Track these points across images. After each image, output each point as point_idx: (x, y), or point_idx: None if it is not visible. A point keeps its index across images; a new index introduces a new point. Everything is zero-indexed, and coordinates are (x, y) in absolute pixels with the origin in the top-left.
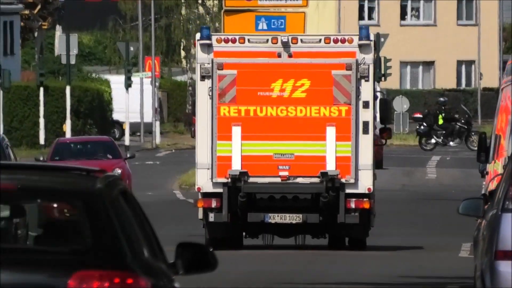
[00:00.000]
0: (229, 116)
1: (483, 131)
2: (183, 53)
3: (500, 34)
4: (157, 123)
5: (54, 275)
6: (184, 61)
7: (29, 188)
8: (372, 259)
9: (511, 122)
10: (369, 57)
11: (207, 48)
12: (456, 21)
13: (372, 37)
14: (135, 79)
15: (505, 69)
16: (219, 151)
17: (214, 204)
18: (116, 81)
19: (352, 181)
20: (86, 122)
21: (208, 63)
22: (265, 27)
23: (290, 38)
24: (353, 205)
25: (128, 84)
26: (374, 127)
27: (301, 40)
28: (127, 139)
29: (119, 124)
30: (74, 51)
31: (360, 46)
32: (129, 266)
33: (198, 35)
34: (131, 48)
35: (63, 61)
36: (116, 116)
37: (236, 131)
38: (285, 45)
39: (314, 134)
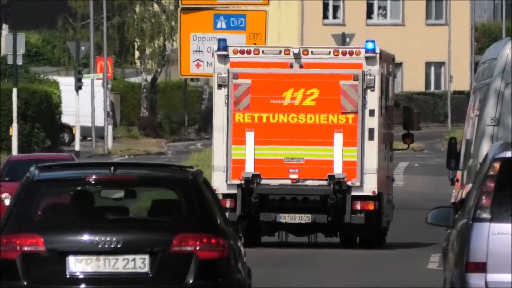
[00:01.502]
0: (243, 122)
1: (453, 136)
2: (137, 54)
3: (471, 34)
4: (109, 127)
5: (163, 236)
6: (138, 62)
7: (144, 178)
8: (335, 271)
9: (475, 126)
10: (375, 69)
11: (224, 58)
12: (425, 20)
13: (377, 50)
14: (86, 80)
15: (476, 72)
16: (234, 155)
17: (228, 204)
18: (65, 82)
19: (358, 184)
20: (33, 126)
21: (225, 73)
22: (224, 26)
23: (301, 50)
24: (358, 207)
25: (78, 86)
26: (391, 133)
27: (312, 52)
28: (77, 144)
29: (69, 128)
30: (21, 50)
31: (366, 58)
32: (212, 230)
33: (215, 47)
34: (82, 48)
35: (9, 61)
36: (65, 119)
37: (250, 136)
38: (297, 56)
39: (322, 140)
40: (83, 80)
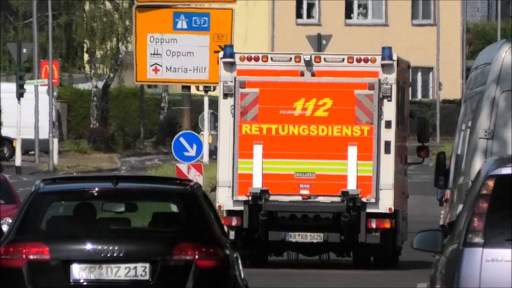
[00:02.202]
0: (250, 134)
1: (442, 150)
2: (86, 57)
3: (463, 36)
4: (55, 140)
5: (164, 246)
6: (87, 66)
7: (145, 191)
8: None
9: (467, 139)
10: (391, 77)
11: (230, 66)
12: (411, 20)
13: (395, 57)
14: (29, 87)
15: (468, 78)
16: (240, 169)
17: (234, 222)
18: (5, 89)
19: (373, 200)
20: None
21: (231, 81)
22: (185, 25)
23: (313, 57)
24: (374, 225)
25: (20, 93)
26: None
27: (324, 59)
28: (18, 159)
29: (9, 141)
30: None
31: (383, 66)
32: (210, 241)
33: (221, 53)
34: (24, 50)
35: None
36: (5, 131)
37: (258, 149)
38: (308, 64)
39: (335, 153)
40: (25, 87)
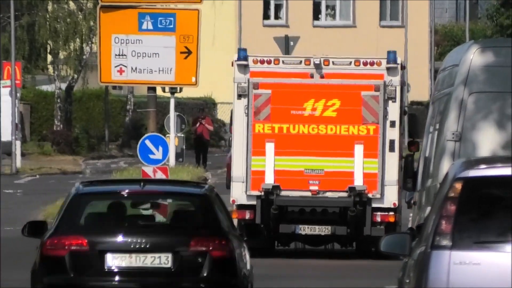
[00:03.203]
0: (263, 132)
1: (410, 153)
2: (49, 58)
3: (431, 37)
4: (18, 142)
5: (183, 239)
6: (51, 68)
7: (167, 192)
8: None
9: (435, 142)
10: (396, 79)
11: (244, 68)
12: (379, 21)
13: (399, 61)
14: None
15: (436, 79)
16: (254, 166)
17: (248, 215)
18: None
19: (378, 196)
20: None
21: (245, 83)
22: (150, 26)
23: (322, 60)
24: (379, 219)
25: None
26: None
27: (333, 62)
28: None
29: None
30: None
31: (388, 69)
32: (222, 234)
33: (235, 56)
34: None
35: None
36: None
37: (270, 147)
38: (317, 66)
39: (343, 151)
40: None
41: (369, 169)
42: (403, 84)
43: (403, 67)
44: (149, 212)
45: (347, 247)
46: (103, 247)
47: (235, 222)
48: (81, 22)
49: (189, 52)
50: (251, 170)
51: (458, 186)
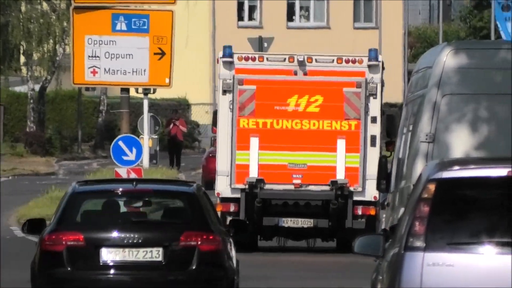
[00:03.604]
0: (248, 128)
1: (384, 154)
2: (23, 59)
3: (405, 39)
4: None
5: (173, 234)
6: (24, 69)
7: (158, 190)
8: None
9: (408, 143)
10: (377, 77)
11: (229, 65)
12: (353, 23)
13: (380, 59)
14: None
15: (409, 81)
16: (238, 160)
17: (232, 208)
18: None
19: (360, 189)
20: None
21: (230, 79)
22: (124, 27)
23: (305, 57)
24: (360, 212)
25: None
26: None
27: (316, 60)
28: None
29: None
30: None
31: (369, 66)
32: (210, 229)
33: (220, 53)
34: None
35: None
36: None
37: (254, 141)
38: (301, 64)
39: (325, 146)
40: None
41: (351, 163)
42: (383, 84)
43: (383, 67)
44: (141, 209)
45: (328, 241)
46: (98, 242)
47: (220, 214)
48: (55, 23)
49: (162, 53)
50: (236, 164)
51: (432, 187)
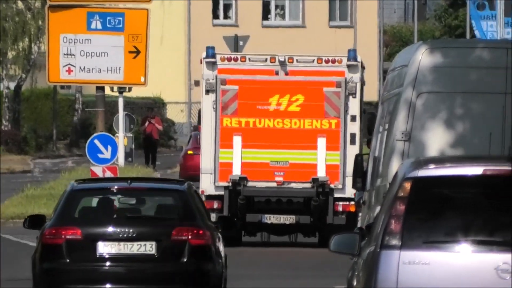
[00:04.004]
0: (231, 126)
1: (360, 152)
2: None
3: (380, 37)
4: None
5: (165, 229)
6: None
7: (152, 188)
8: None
9: (384, 141)
10: (356, 76)
11: (212, 65)
12: (328, 22)
13: (359, 59)
14: None
15: (385, 80)
16: (221, 158)
17: (216, 205)
18: None
19: (340, 186)
20: None
21: (213, 79)
22: (99, 26)
23: (286, 58)
24: (340, 208)
25: None
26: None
27: (297, 60)
28: None
29: None
30: None
31: (348, 66)
32: (200, 225)
33: (204, 54)
34: None
35: None
36: None
37: (237, 140)
38: (282, 64)
39: (306, 144)
40: None
41: (332, 161)
42: (363, 83)
43: (363, 66)
44: (135, 206)
45: (310, 237)
46: (95, 236)
47: None
48: (30, 21)
49: (137, 52)
50: (219, 162)
51: (408, 185)
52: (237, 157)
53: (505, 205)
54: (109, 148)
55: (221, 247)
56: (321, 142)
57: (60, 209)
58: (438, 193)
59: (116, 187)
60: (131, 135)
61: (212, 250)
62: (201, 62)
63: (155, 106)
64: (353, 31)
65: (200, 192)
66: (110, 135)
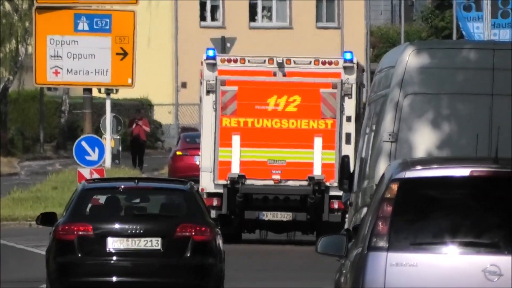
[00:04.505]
0: (230, 126)
1: (347, 153)
2: None
3: (367, 39)
4: None
5: (170, 226)
6: None
7: (157, 188)
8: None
9: (371, 143)
10: (352, 78)
11: (212, 67)
12: (316, 23)
13: (355, 60)
14: None
15: (372, 81)
16: (221, 157)
17: (215, 202)
18: None
19: (336, 184)
20: None
21: (213, 80)
22: (86, 27)
23: (284, 59)
24: (336, 206)
25: None
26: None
27: (294, 62)
28: None
29: None
30: None
31: (344, 68)
32: (202, 222)
33: (204, 56)
34: None
35: None
36: None
37: (236, 139)
38: (280, 65)
39: (303, 143)
40: None
41: (327, 159)
42: (361, 84)
43: (362, 69)
44: (142, 204)
45: (308, 234)
46: (105, 233)
47: None
48: (17, 23)
49: (125, 53)
50: (219, 160)
51: (395, 187)
52: (236, 156)
53: (492, 206)
54: (96, 150)
55: (220, 243)
56: (317, 141)
57: (72, 207)
58: (425, 194)
59: (124, 186)
60: (118, 137)
61: (213, 245)
62: (201, 64)
63: (142, 108)
64: (340, 33)
65: (200, 190)
66: (97, 137)
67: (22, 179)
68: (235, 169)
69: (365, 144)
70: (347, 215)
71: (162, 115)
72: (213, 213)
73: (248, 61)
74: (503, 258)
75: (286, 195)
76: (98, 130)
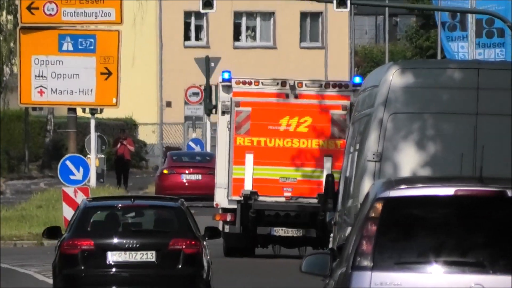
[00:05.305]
0: (243, 145)
1: (331, 173)
2: None
3: (351, 58)
4: None
5: (164, 240)
6: None
7: (152, 205)
8: None
9: (355, 162)
10: None
11: (227, 88)
12: (300, 43)
13: None
14: None
15: (356, 100)
16: (235, 174)
17: (229, 218)
18: None
19: None
20: None
21: (228, 101)
22: (70, 47)
23: (296, 82)
24: None
25: None
26: None
27: (305, 85)
28: None
29: None
30: None
31: (354, 91)
32: (192, 236)
33: (220, 78)
34: None
35: None
36: None
37: (249, 158)
38: (292, 88)
39: (313, 163)
40: None
41: (337, 178)
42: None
43: None
44: (137, 220)
45: (318, 249)
46: (106, 247)
47: (220, 223)
48: (1, 43)
49: (109, 73)
50: (233, 177)
51: (379, 206)
52: (249, 173)
53: (477, 225)
54: (81, 169)
55: (208, 254)
56: (327, 161)
57: (75, 223)
58: (409, 213)
59: (121, 204)
60: (103, 156)
61: (202, 257)
62: (217, 86)
63: (126, 127)
64: (324, 52)
65: (214, 205)
66: (81, 156)
67: (6, 198)
68: (248, 186)
69: (349, 163)
70: (331, 235)
71: (147, 135)
72: (226, 228)
73: (262, 83)
74: (487, 278)
75: (297, 212)
76: (82, 150)
